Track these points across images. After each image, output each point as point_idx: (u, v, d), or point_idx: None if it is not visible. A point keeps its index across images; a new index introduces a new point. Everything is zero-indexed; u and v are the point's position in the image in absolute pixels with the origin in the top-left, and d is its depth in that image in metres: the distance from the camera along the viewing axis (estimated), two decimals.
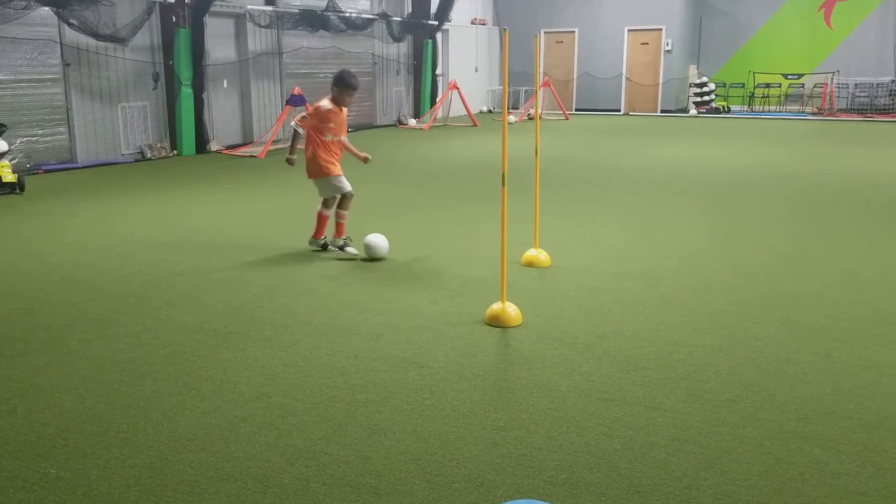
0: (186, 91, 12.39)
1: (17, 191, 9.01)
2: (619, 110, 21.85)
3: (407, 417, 3.38)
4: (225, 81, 13.82)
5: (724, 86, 21.92)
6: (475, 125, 18.00)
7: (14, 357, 4.11)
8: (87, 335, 4.43)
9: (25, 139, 10.56)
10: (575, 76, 22.33)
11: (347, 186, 6.22)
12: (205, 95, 12.84)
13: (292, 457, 3.05)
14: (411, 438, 3.19)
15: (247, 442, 3.17)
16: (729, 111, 21.25)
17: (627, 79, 21.76)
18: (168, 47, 12.26)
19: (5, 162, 9.10)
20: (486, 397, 3.58)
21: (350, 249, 6.14)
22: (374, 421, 3.35)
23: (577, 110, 22.03)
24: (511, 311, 4.56)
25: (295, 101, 13.04)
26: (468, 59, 21.67)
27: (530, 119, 18.99)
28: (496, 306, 4.59)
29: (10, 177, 8.94)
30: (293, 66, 15.21)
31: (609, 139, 15.26)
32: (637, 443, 3.14)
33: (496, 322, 4.52)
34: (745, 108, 21.62)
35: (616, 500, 2.72)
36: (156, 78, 12.31)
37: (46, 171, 10.62)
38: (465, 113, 18.50)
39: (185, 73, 12.33)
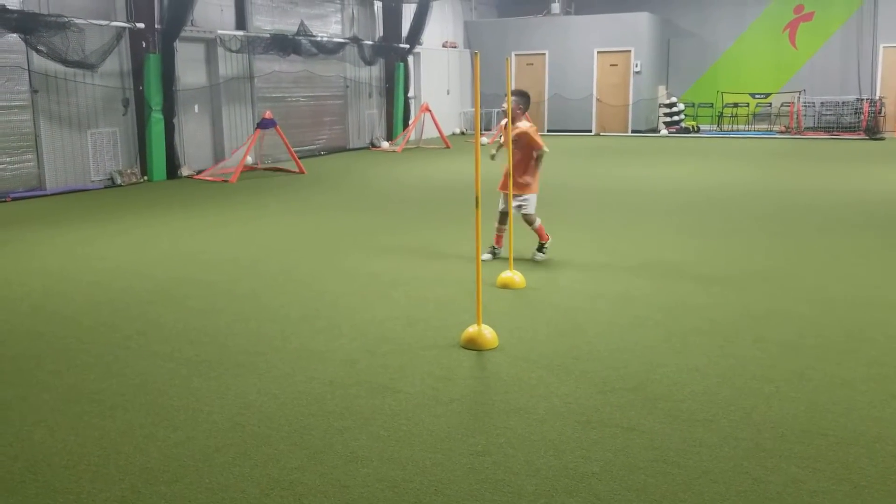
0: (157, 116, 12.29)
1: None
2: (591, 131, 22.07)
3: (384, 444, 3.34)
4: (196, 106, 13.76)
5: (694, 106, 22.23)
6: (448, 147, 18.06)
7: None
8: (57, 366, 4.34)
9: None
10: (546, 97, 22.53)
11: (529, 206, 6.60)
12: (175, 120, 12.75)
13: (268, 487, 3.00)
14: (389, 465, 3.16)
15: (221, 473, 3.11)
16: (699, 131, 21.55)
17: (598, 100, 22.00)
18: (138, 73, 12.18)
19: None
20: (464, 422, 3.56)
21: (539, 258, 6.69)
22: (350, 448, 3.31)
23: (548, 131, 22.20)
24: (487, 333, 4.55)
25: (265, 123, 13.01)
26: (440, 82, 21.78)
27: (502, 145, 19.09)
28: (472, 329, 4.57)
29: None
30: (265, 91, 15.18)
31: (580, 160, 15.39)
32: (616, 465, 3.13)
33: (472, 345, 4.51)
34: (715, 127, 21.94)
35: None
36: (125, 104, 12.21)
37: (14, 199, 10.45)
38: (438, 135, 18.57)
39: (155, 99, 12.25)
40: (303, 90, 16.36)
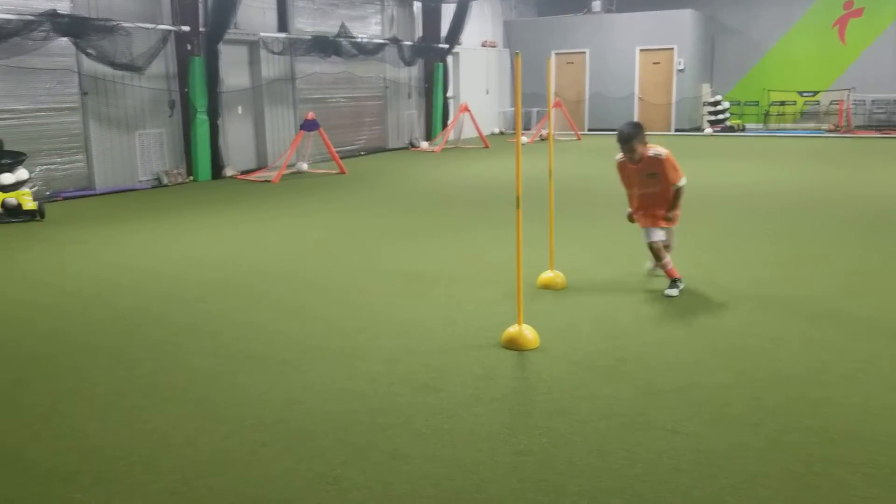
0: (202, 118, 12.52)
1: (38, 218, 9.11)
2: None
3: (426, 442, 3.37)
4: (239, 108, 13.97)
5: (739, 104, 21.90)
6: (486, 147, 18.06)
7: (37, 382, 4.14)
8: (109, 361, 4.45)
9: (45, 167, 10.69)
10: (587, 96, 22.40)
11: (647, 236, 5.70)
12: (220, 122, 12.96)
13: (313, 481, 3.04)
14: (431, 463, 3.18)
15: (267, 466, 3.17)
16: (744, 129, 21.22)
17: (640, 98, 21.80)
18: (183, 75, 12.41)
19: (26, 190, 9.21)
20: (505, 421, 3.57)
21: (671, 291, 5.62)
22: (393, 445, 3.34)
23: (589, 130, 22.08)
24: (528, 333, 4.55)
25: (308, 125, 13.15)
26: (479, 82, 21.79)
27: (542, 140, 19.05)
28: (513, 329, 4.58)
29: (30, 204, 9.05)
30: (306, 92, 15.35)
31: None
32: (659, 467, 3.11)
33: (513, 345, 4.51)
34: (761, 126, 21.59)
35: None
36: (172, 105, 12.46)
37: (65, 199, 10.74)
38: (477, 135, 18.58)
39: (200, 101, 12.47)
40: (343, 91, 16.50)
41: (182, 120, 12.59)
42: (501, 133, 22.61)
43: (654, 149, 5.56)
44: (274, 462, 3.21)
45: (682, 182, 5.55)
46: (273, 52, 14.20)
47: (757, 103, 21.81)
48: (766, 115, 21.63)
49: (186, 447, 3.35)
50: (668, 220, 5.58)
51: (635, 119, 20.33)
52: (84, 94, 11.13)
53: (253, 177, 12.98)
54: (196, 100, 12.42)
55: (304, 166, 13.68)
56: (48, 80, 10.66)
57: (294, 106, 15.04)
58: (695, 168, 13.54)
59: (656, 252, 5.62)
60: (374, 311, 5.34)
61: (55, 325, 5.17)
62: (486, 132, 20.04)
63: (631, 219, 5.83)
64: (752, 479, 3.01)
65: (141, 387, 4.05)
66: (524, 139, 18.85)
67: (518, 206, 4.55)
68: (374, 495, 2.94)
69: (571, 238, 7.44)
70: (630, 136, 5.53)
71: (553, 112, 20.18)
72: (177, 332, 4.95)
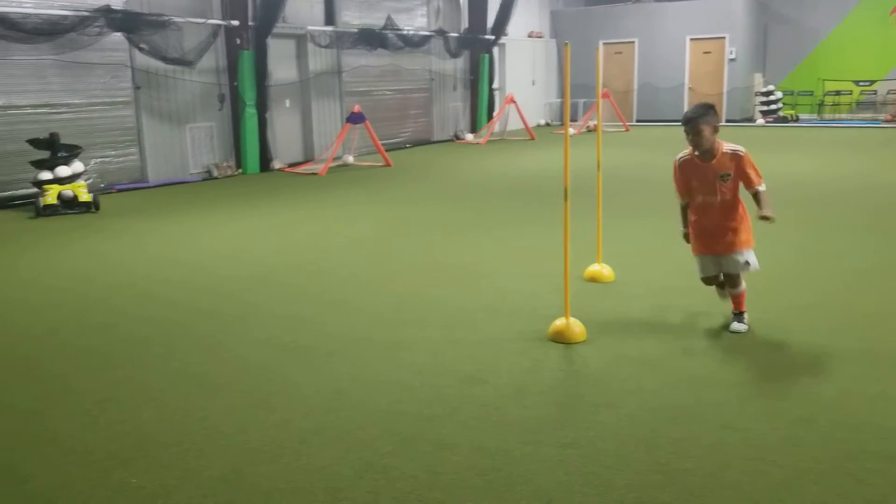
0: (250, 111, 12.69)
1: (93, 210, 9.35)
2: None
3: (473, 433, 3.38)
4: (287, 101, 14.12)
5: (792, 94, 21.39)
6: (532, 138, 17.96)
7: (94, 370, 4.26)
8: (162, 349, 4.56)
9: (99, 160, 10.96)
10: (635, 87, 22.11)
11: (702, 271, 4.70)
12: (268, 115, 13.13)
13: (361, 470, 3.08)
14: (478, 454, 3.19)
15: (317, 455, 3.22)
16: (797, 120, 20.73)
17: (690, 88, 21.44)
18: (232, 69, 12.59)
19: (81, 182, 9.46)
20: (552, 414, 3.56)
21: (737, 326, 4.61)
22: (440, 436, 3.36)
23: (637, 121, 21.80)
24: (575, 326, 4.53)
25: (354, 118, 13.25)
26: (525, 73, 21.67)
27: (589, 131, 18.87)
28: (560, 322, 4.56)
29: (85, 196, 9.29)
30: (352, 85, 15.45)
31: (671, 150, 15.03)
32: (709, 462, 3.08)
33: (560, 338, 4.50)
34: (815, 116, 21.06)
35: None
36: (221, 99, 12.66)
37: (119, 191, 11.00)
38: (523, 126, 18.50)
39: (248, 94, 12.64)
40: (389, 83, 16.56)
41: (231, 113, 12.79)
42: (547, 125, 22.46)
43: (730, 145, 4.50)
44: (323, 450, 3.26)
45: (763, 187, 4.51)
46: (320, 46, 14.33)
47: (811, 93, 21.27)
48: (821, 105, 21.09)
49: (238, 435, 3.42)
50: (766, 218, 4.41)
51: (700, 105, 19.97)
52: (137, 88, 11.38)
53: (300, 169, 13.12)
54: (245, 93, 12.60)
55: (350, 159, 13.78)
56: (102, 75, 10.92)
57: (340, 99, 15.15)
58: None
59: (733, 280, 4.58)
60: (419, 303, 5.37)
61: (109, 315, 5.31)
62: (531, 124, 19.92)
63: (688, 238, 4.74)
64: (804, 476, 2.95)
65: (194, 376, 4.14)
66: (571, 131, 18.71)
67: (566, 199, 4.52)
68: (422, 485, 2.96)
69: (619, 231, 7.37)
70: (698, 116, 4.35)
71: (601, 103, 19.99)
72: (228, 322, 5.05)
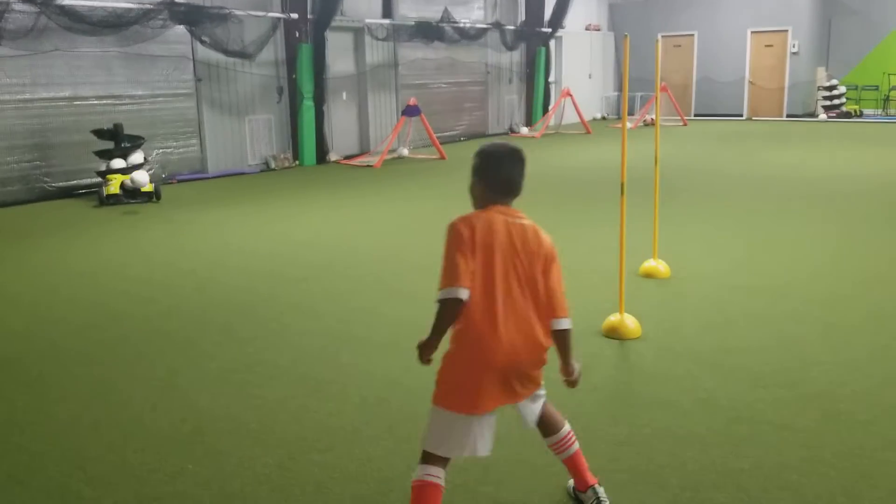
0: (308, 104, 12.84)
1: (154, 199, 9.59)
2: (742, 115, 21.06)
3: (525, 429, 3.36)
4: (344, 94, 14.25)
5: (856, 88, 20.74)
6: (588, 132, 17.78)
7: (154, 357, 4.37)
8: (219, 338, 4.66)
9: (161, 151, 11.23)
10: (694, 80, 21.70)
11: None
12: (325, 107, 13.27)
13: (413, 462, 3.08)
14: (529, 448, 3.18)
15: (369, 445, 3.25)
16: (861, 115, 20.09)
17: (750, 82, 20.95)
18: (291, 62, 12.75)
19: (143, 172, 9.69)
20: (606, 411, 3.53)
21: None
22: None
23: (695, 115, 21.39)
24: (630, 322, 4.47)
25: (410, 111, 13.29)
26: (581, 66, 21.45)
27: (646, 125, 18.59)
28: (614, 318, 4.51)
29: (147, 186, 9.53)
30: (408, 78, 15.51)
31: (730, 145, 14.73)
32: (766, 463, 3.01)
33: (614, 334, 4.45)
34: (880, 111, 20.37)
35: None
36: (280, 91, 12.84)
37: (180, 181, 11.25)
38: (578, 120, 18.31)
39: (306, 87, 12.79)
40: (444, 76, 16.57)
41: (289, 106, 12.96)
42: (604, 118, 22.20)
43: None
44: (375, 441, 3.29)
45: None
46: (377, 39, 14.41)
47: (876, 87, 20.58)
48: (886, 99, 20.38)
49: (293, 423, 3.48)
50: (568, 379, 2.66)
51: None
52: (198, 80, 11.62)
53: (355, 162, 13.24)
54: (303, 86, 12.75)
55: (405, 151, 13.84)
56: (165, 67, 11.18)
57: (396, 91, 15.22)
58: (813, 155, 12.93)
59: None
60: None
61: (171, 302, 5.44)
62: (587, 117, 19.73)
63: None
64: (863, 479, 2.87)
65: (250, 364, 4.22)
66: (628, 125, 18.47)
67: (623, 193, 4.46)
68: (474, 476, 2.97)
69: (676, 226, 7.25)
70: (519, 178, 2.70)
71: (659, 97, 19.68)
72: (283, 312, 5.13)
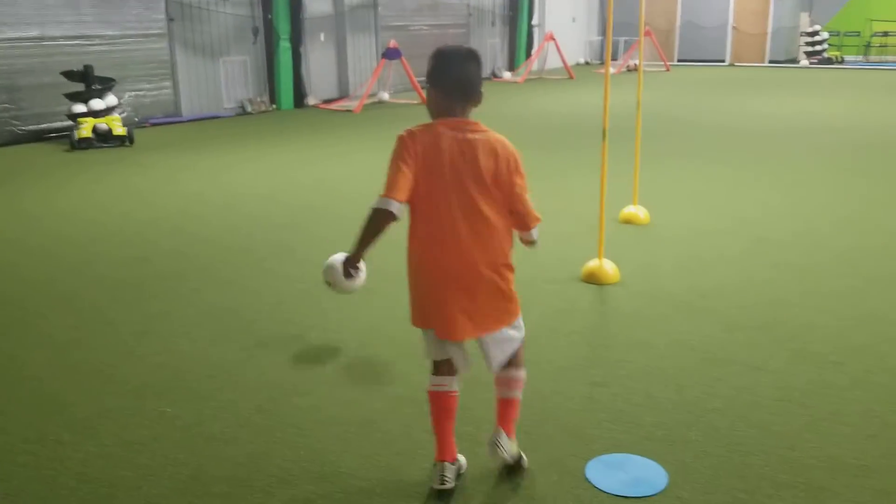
0: (285, 45, 12.60)
1: (127, 143, 9.43)
2: (724, 61, 20.95)
3: None
4: (322, 35, 13.97)
5: (838, 35, 20.66)
6: (571, 77, 17.63)
7: (131, 303, 4.35)
8: (197, 284, 4.64)
9: (133, 93, 11.00)
10: (678, 25, 21.49)
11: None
12: (302, 49, 13.02)
13: (395, 403, 3.13)
14: None
15: (351, 388, 3.28)
16: (842, 62, 20.06)
17: (734, 28, 20.79)
18: (267, 1, 12.45)
19: (115, 115, 9.51)
20: (583, 353, 3.58)
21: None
22: (473, 373, 3.38)
23: (679, 61, 21.25)
24: (608, 267, 4.50)
25: (391, 54, 13.08)
26: (565, 9, 21.14)
27: (629, 71, 18.45)
28: (593, 263, 4.54)
29: (120, 130, 9.36)
30: (388, 19, 15.22)
31: (713, 92, 14.68)
32: (738, 402, 3.08)
33: (593, 279, 4.48)
34: (861, 58, 20.35)
35: (715, 458, 2.69)
36: (255, 32, 12.56)
37: (153, 125, 11.06)
38: (562, 65, 18.13)
39: (283, 27, 12.53)
40: (426, 18, 16.29)
41: (265, 47, 12.70)
42: (587, 63, 22.00)
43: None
44: (356, 385, 3.31)
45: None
46: None
47: (858, 34, 20.52)
48: (868, 46, 20.34)
49: (271, 370, 3.49)
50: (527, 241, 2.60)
51: None
52: (170, 20, 11.32)
53: (335, 106, 13.05)
54: (279, 26, 12.48)
55: (386, 96, 13.66)
56: (136, 6, 10.88)
57: (376, 33, 14.95)
58: (794, 102, 12.93)
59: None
60: None
61: (144, 249, 5.39)
62: (571, 62, 19.53)
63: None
64: (832, 417, 2.95)
65: (228, 309, 4.21)
66: (611, 70, 18.32)
67: (604, 138, 4.45)
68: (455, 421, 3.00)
69: (657, 173, 7.26)
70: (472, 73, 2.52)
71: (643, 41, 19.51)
72: (263, 258, 5.10)
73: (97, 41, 10.48)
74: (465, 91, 2.44)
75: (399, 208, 2.33)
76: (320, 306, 4.21)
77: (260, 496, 2.53)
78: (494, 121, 10.61)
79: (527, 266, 4.77)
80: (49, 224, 6.08)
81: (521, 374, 2.63)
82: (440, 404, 2.55)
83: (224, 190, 7.13)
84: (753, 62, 20.51)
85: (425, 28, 16.33)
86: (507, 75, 18.09)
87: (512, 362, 2.59)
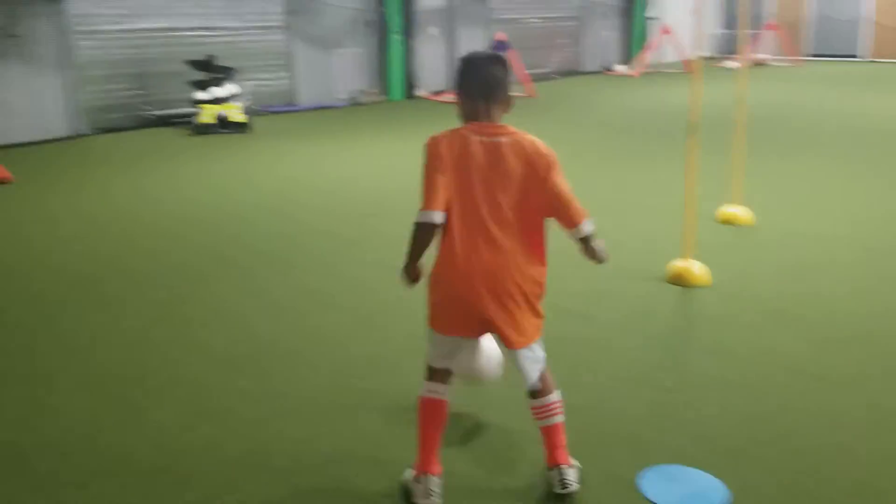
0: (396, 37, 12.76)
1: (245, 130, 9.81)
2: (863, 56, 19.65)
3: (566, 368, 3.30)
4: (432, 27, 14.06)
5: None
6: (689, 72, 17.00)
7: (218, 280, 4.52)
8: (283, 266, 4.77)
9: (253, 82, 11.43)
10: (809, 18, 20.33)
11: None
12: (412, 42, 13.15)
13: (455, 392, 3.11)
14: (568, 391, 3.07)
15: (411, 373, 3.26)
16: None
17: (876, 22, 19.45)
18: None
19: (235, 103, 9.91)
20: (656, 358, 3.43)
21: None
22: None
23: (811, 56, 20.11)
24: (696, 269, 4.30)
25: (499, 46, 13.00)
26: (685, 1, 20.39)
27: (756, 65, 17.60)
28: (680, 263, 4.35)
29: (238, 117, 9.75)
30: (500, 12, 15.14)
31: (845, 89, 13.79)
32: (821, 421, 2.86)
33: (679, 280, 4.29)
34: None
35: (786, 481, 2.51)
36: (369, 25, 12.78)
37: (272, 113, 11.46)
38: (679, 59, 17.51)
39: (395, 20, 12.69)
40: (537, 11, 16.10)
41: (377, 40, 12.91)
42: (710, 58, 21.17)
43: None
44: (415, 373, 3.30)
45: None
46: None
47: None
48: None
49: (340, 350, 3.55)
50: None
51: None
52: (289, 13, 11.68)
53: (443, 98, 13.12)
54: (391, 20, 12.66)
55: None
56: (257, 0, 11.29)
57: (487, 26, 14.91)
58: None
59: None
60: None
61: (242, 228, 5.60)
62: (690, 56, 18.81)
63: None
64: None
65: (309, 291, 4.31)
66: (734, 64, 17.54)
67: (694, 133, 4.25)
68: (509, 415, 2.95)
69: (765, 173, 6.88)
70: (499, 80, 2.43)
71: (770, 36, 18.54)
72: (349, 243, 5.19)
73: (220, 32, 10.95)
74: (490, 94, 2.39)
75: (441, 217, 2.32)
76: (391, 294, 4.16)
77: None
78: (599, 115, 10.44)
79: (610, 265, 4.61)
80: (168, 205, 6.39)
81: (557, 396, 2.52)
82: (432, 411, 2.49)
83: (328, 176, 7.29)
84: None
85: (536, 20, 16.14)
86: (620, 69, 17.65)
87: (545, 388, 2.49)
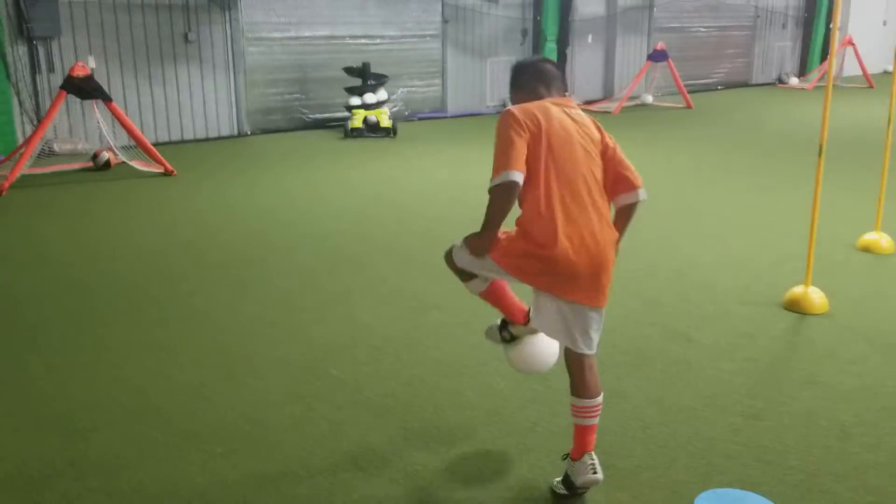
0: (550, 46, 12.81)
1: (391, 135, 10.24)
2: None
3: (653, 386, 3.30)
4: (590, 36, 13.97)
5: None
6: (870, 87, 15.81)
7: (328, 276, 4.81)
8: (390, 267, 4.98)
9: (406, 89, 11.88)
10: None
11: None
12: (568, 50, 13.14)
13: (530, 400, 3.18)
14: (651, 407, 3.12)
15: (492, 379, 3.38)
16: None
17: None
18: (538, 3, 12.74)
19: (384, 109, 10.36)
20: (748, 383, 3.32)
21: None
22: (620, 384, 3.32)
23: None
24: (814, 296, 4.09)
25: (656, 56, 12.75)
26: (875, 10, 18.96)
27: None
28: (797, 289, 4.15)
29: (386, 122, 10.19)
30: (663, 21, 14.80)
31: None
32: None
33: (794, 306, 4.10)
34: None
35: None
36: (524, 34, 12.92)
37: (420, 119, 11.86)
38: (860, 73, 16.32)
39: (550, 29, 12.74)
40: (705, 20, 15.58)
41: (532, 48, 13.01)
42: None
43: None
44: (497, 376, 3.40)
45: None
46: None
47: None
48: None
49: (433, 349, 3.70)
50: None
51: None
52: (445, 21, 12.05)
53: (594, 107, 13.02)
54: (547, 28, 12.72)
55: (649, 98, 13.34)
56: (416, 9, 11.72)
57: (648, 35, 14.62)
58: None
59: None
60: (655, 249, 5.19)
61: (374, 228, 5.91)
62: (876, 70, 17.50)
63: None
64: None
65: (410, 295, 4.49)
66: None
67: (820, 155, 4.06)
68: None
69: None
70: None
71: None
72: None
73: (378, 40, 11.48)
74: (545, 79, 2.60)
75: (521, 177, 2.37)
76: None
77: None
78: (759, 130, 9.98)
79: (726, 282, 4.51)
80: (301, 202, 6.84)
81: (598, 399, 2.54)
82: (494, 290, 2.83)
83: (458, 183, 7.50)
84: None
85: (703, 30, 15.60)
86: (793, 81, 16.71)
87: (587, 391, 2.52)
